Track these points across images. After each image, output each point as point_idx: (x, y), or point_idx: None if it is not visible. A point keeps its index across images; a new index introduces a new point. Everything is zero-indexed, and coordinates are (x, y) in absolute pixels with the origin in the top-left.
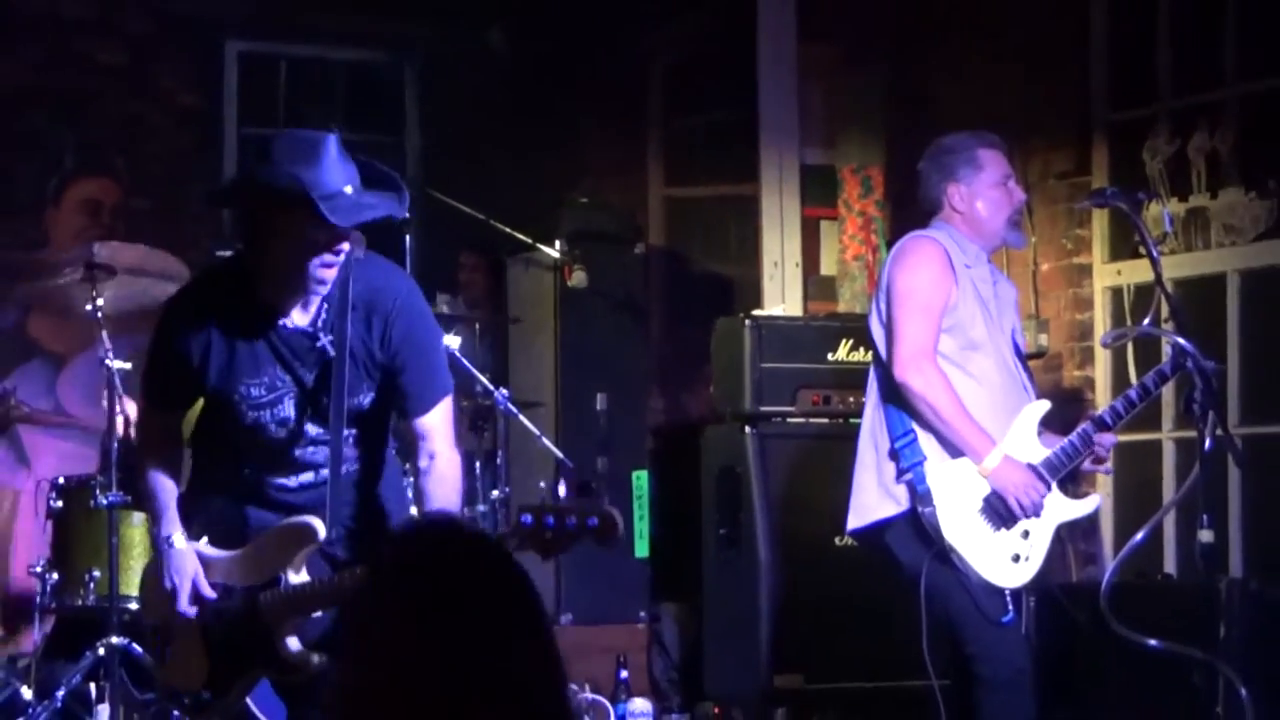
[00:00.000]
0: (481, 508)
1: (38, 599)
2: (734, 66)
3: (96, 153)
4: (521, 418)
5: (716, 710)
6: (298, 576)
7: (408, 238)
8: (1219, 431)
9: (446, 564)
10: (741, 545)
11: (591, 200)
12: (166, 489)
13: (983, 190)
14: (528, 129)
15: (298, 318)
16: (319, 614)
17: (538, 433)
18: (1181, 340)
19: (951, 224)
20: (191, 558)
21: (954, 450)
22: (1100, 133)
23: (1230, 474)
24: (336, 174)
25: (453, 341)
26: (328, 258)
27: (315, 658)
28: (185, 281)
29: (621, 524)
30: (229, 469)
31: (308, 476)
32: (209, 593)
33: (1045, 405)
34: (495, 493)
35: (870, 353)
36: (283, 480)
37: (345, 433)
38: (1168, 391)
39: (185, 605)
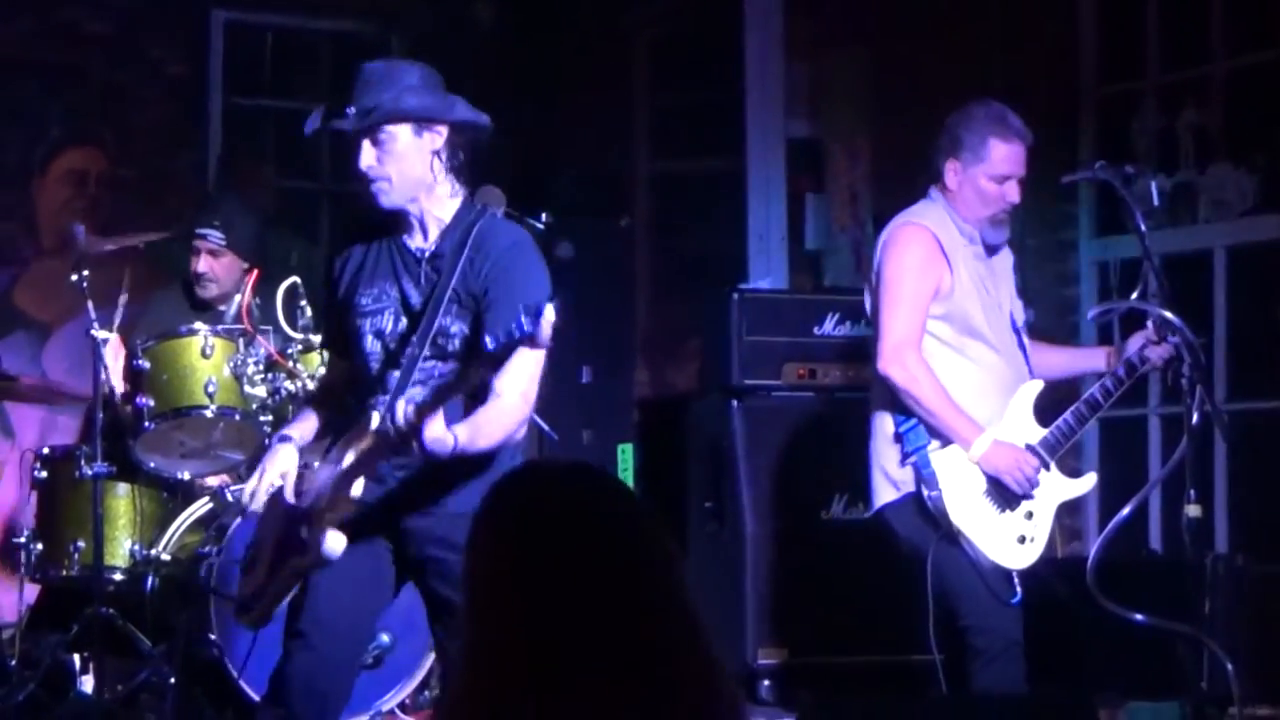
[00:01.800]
0: None
1: (22, 569)
2: (720, 40)
3: (83, 123)
4: None
5: None
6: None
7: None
8: (1206, 407)
9: (572, 500)
10: (727, 519)
11: (577, 173)
12: (306, 415)
13: (977, 180)
14: (513, 102)
15: (418, 240)
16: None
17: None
18: (1169, 315)
19: (945, 198)
20: (288, 456)
21: None
22: (1088, 107)
23: (1217, 449)
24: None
25: None
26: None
27: (326, 532)
28: None
29: None
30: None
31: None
32: (290, 498)
33: (1039, 385)
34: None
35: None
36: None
37: (432, 365)
38: None
39: (249, 493)
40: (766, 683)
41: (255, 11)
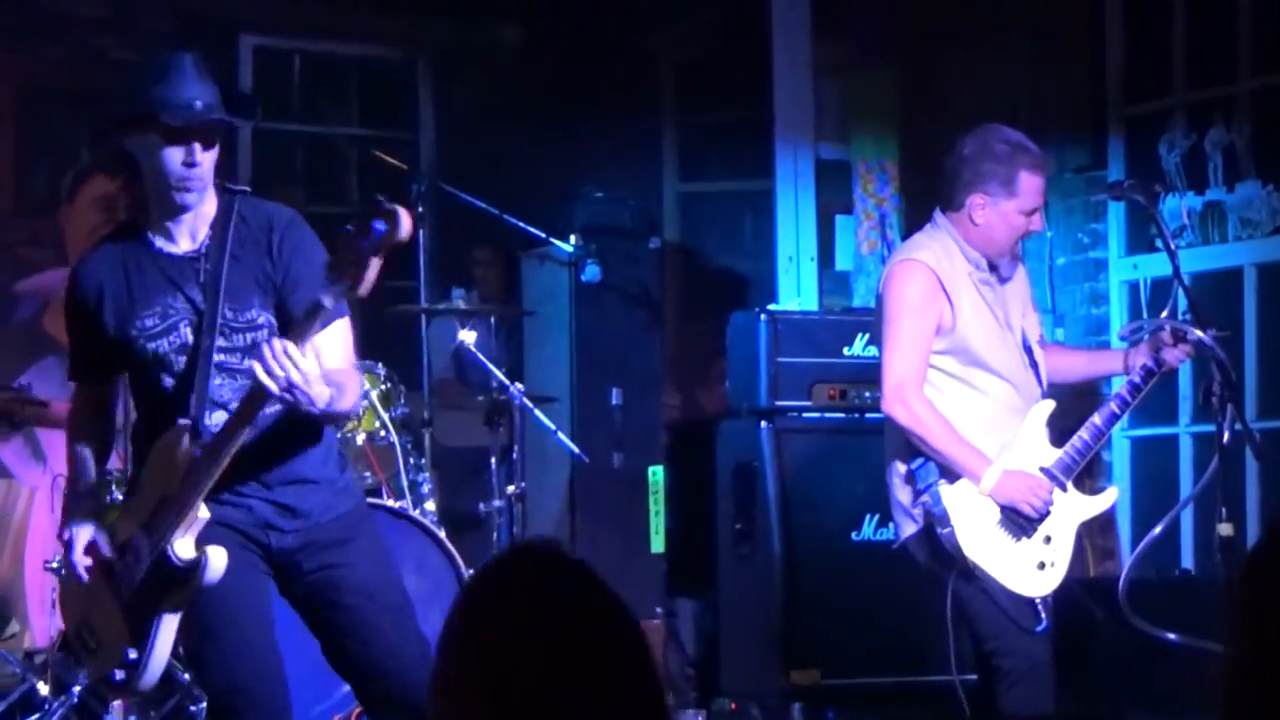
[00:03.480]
0: (497, 503)
1: (53, 594)
2: (748, 61)
3: (111, 149)
4: (537, 413)
5: (733, 706)
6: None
7: (422, 233)
8: (1237, 425)
9: (544, 589)
10: (757, 540)
11: (606, 195)
12: (85, 469)
13: (1007, 215)
14: (542, 124)
15: (183, 244)
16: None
17: (553, 428)
18: (1199, 333)
19: (958, 228)
20: (83, 531)
21: None
22: (1116, 126)
23: (1249, 468)
24: (190, 89)
25: (468, 336)
26: (183, 170)
27: (206, 550)
28: None
29: (406, 218)
30: (153, 432)
31: (220, 417)
32: (106, 550)
33: (1050, 406)
34: (511, 488)
35: None
36: (211, 428)
37: (239, 359)
38: (1185, 385)
39: (77, 557)
40: (798, 704)
41: (283, 37)
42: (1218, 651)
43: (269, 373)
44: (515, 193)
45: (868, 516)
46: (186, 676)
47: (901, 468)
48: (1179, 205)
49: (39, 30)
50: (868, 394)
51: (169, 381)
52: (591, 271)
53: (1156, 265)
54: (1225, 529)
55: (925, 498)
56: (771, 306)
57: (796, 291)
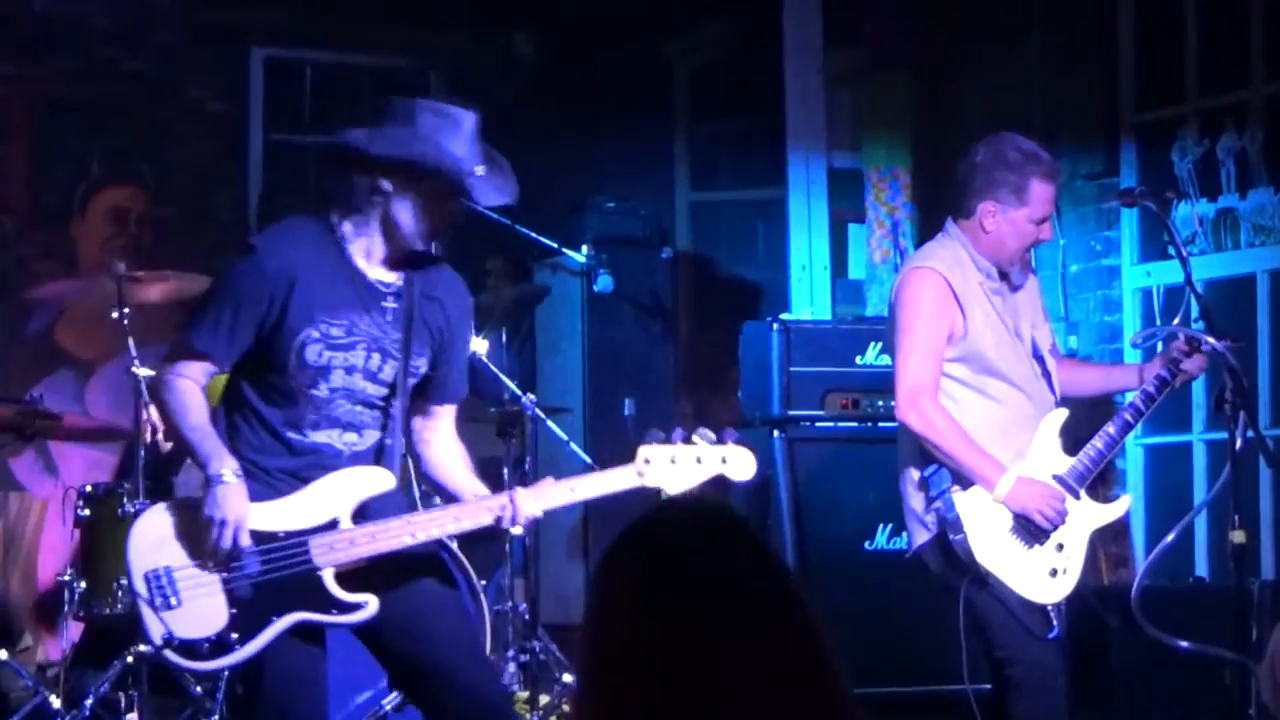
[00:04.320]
0: None
1: (65, 607)
2: (760, 71)
3: (123, 161)
4: (549, 423)
5: None
6: (351, 523)
7: (434, 243)
8: (1250, 432)
9: (704, 542)
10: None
11: (618, 205)
12: (210, 429)
13: (1017, 223)
14: (553, 134)
15: (382, 274)
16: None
17: (566, 438)
18: (1212, 340)
19: (969, 235)
20: (245, 496)
21: None
22: (1128, 133)
23: (1262, 475)
24: (476, 153)
25: (480, 347)
26: (440, 228)
27: (373, 600)
28: (251, 237)
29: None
30: (274, 437)
31: (351, 438)
32: (246, 540)
33: (1063, 414)
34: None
35: None
36: (330, 444)
37: (395, 404)
38: (1198, 392)
39: (242, 540)
40: None
41: (294, 48)
42: (1232, 659)
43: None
44: (527, 203)
45: (881, 525)
46: (200, 690)
47: (915, 474)
48: (1191, 212)
49: (51, 42)
50: (880, 403)
51: (318, 392)
52: (604, 282)
53: (1169, 272)
54: (1238, 536)
55: (938, 504)
56: (784, 316)
57: (809, 300)
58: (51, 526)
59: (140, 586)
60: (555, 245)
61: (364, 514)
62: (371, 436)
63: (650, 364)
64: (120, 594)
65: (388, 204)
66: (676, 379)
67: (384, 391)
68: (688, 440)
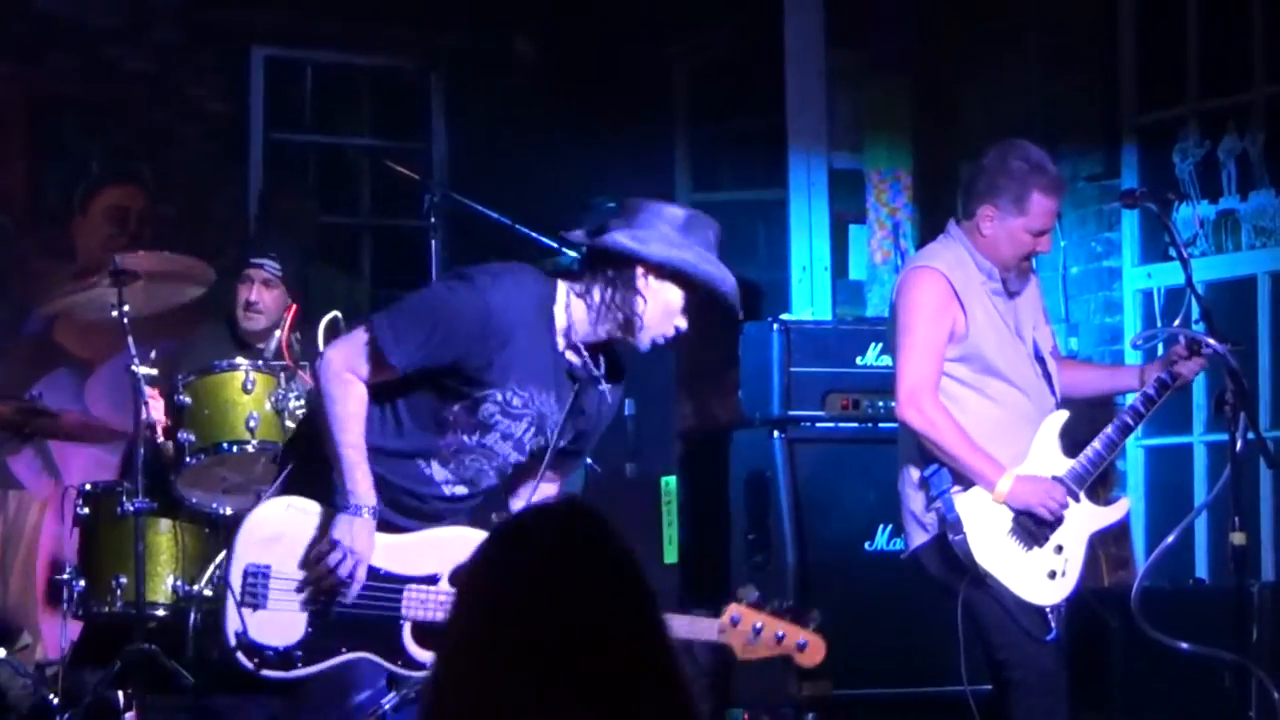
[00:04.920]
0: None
1: (65, 606)
2: (761, 71)
3: (123, 161)
4: None
5: (746, 717)
6: (449, 583)
7: (434, 243)
8: (1250, 434)
9: (558, 545)
10: (770, 550)
11: (618, 205)
12: (365, 456)
13: (1014, 232)
14: (554, 135)
15: (574, 357)
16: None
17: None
18: (1212, 341)
19: (970, 237)
20: (373, 536)
21: None
22: (1129, 135)
23: (1262, 477)
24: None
25: None
26: (674, 334)
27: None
28: (478, 270)
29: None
30: (403, 454)
31: (461, 490)
32: (362, 577)
33: (1063, 416)
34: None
35: None
36: (443, 485)
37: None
38: (1199, 394)
39: (359, 575)
40: (811, 715)
41: (295, 48)
42: (1232, 661)
43: None
44: (528, 203)
45: (881, 526)
46: (199, 687)
47: (915, 474)
48: (1192, 214)
49: (51, 41)
50: (881, 404)
51: (468, 439)
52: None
53: (1170, 274)
54: (1238, 538)
55: (938, 504)
56: (784, 316)
57: (810, 301)
58: (51, 525)
59: (236, 578)
60: (555, 245)
61: None
62: (479, 496)
63: (650, 364)
64: (120, 593)
65: (638, 306)
66: (677, 379)
67: (521, 460)
68: (777, 613)
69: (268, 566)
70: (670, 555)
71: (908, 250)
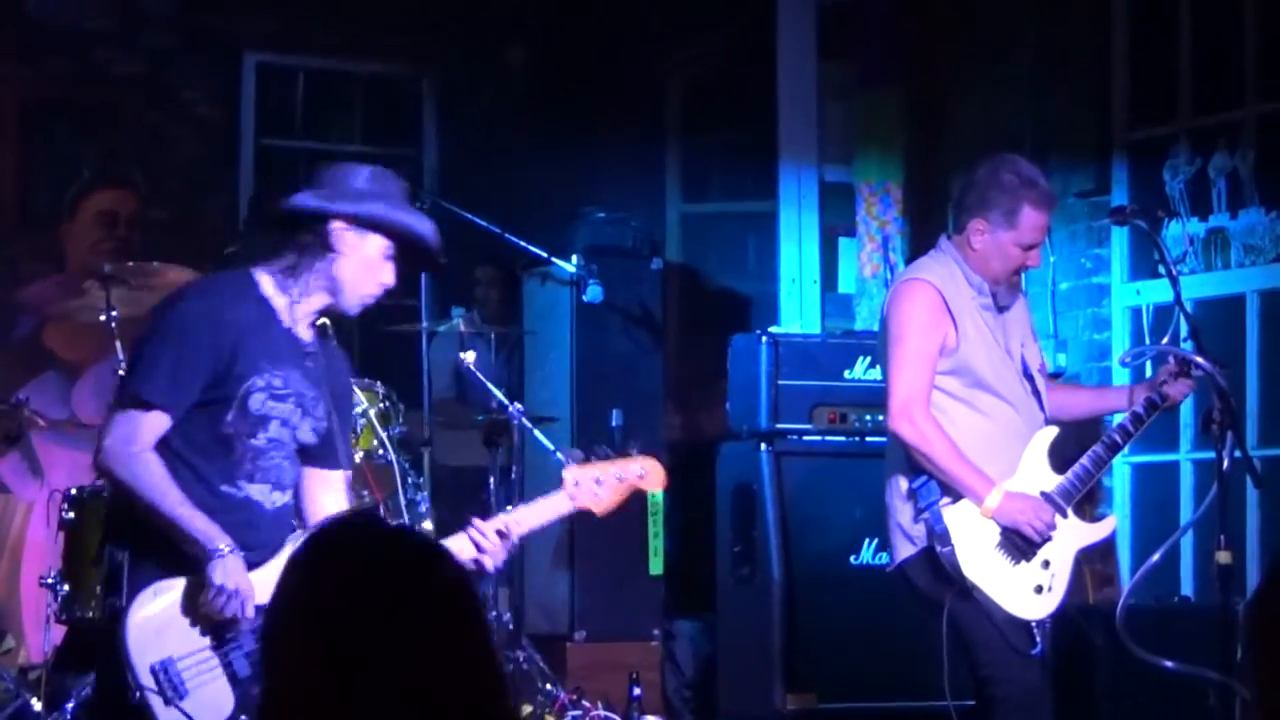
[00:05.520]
0: None
1: (49, 610)
2: (752, 83)
3: (114, 164)
4: (536, 432)
5: None
6: None
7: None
8: (1237, 452)
9: (360, 564)
10: (756, 563)
11: (609, 215)
12: (193, 505)
13: (1004, 246)
14: (545, 144)
15: (302, 331)
16: None
17: (553, 448)
18: (1201, 360)
19: (961, 251)
20: (245, 567)
21: None
22: (1120, 151)
23: (1248, 495)
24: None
25: (468, 356)
26: (381, 290)
27: None
28: (186, 285)
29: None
30: (207, 490)
31: (278, 497)
32: (251, 611)
33: (1053, 432)
34: (510, 508)
35: None
36: (262, 502)
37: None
38: (1186, 412)
39: (248, 611)
40: None
41: (287, 54)
42: (1216, 680)
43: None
44: (518, 211)
45: (867, 540)
46: None
47: (903, 485)
48: (1182, 231)
49: (42, 44)
50: (869, 418)
51: (255, 441)
52: (594, 292)
53: (1159, 291)
54: (1224, 557)
55: (926, 515)
56: (773, 329)
57: (799, 314)
58: (36, 529)
59: (148, 681)
60: (545, 255)
61: None
62: (289, 495)
63: (638, 375)
64: (103, 604)
65: (338, 264)
66: (665, 390)
67: (295, 448)
68: (604, 458)
69: (169, 658)
70: (656, 567)
71: (897, 264)
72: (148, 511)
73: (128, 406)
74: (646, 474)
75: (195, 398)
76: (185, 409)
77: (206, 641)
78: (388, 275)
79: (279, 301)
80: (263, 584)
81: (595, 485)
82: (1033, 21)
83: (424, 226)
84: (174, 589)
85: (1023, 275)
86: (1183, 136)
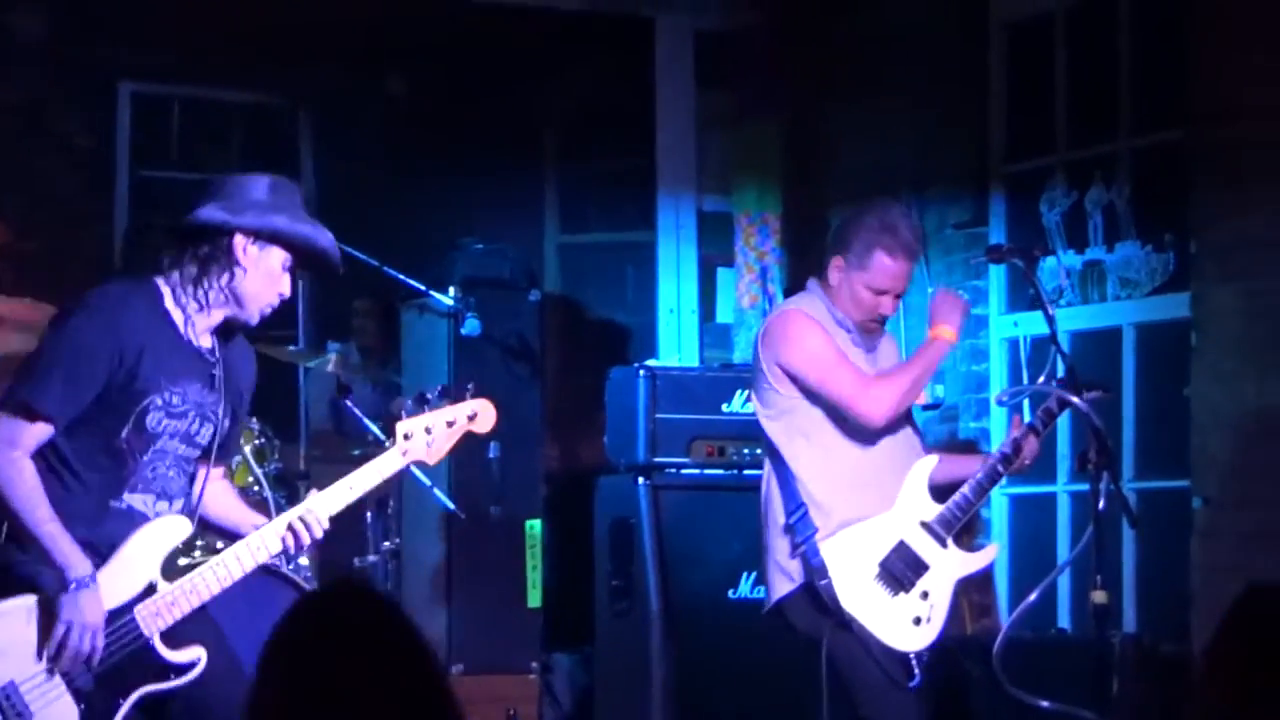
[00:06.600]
0: (372, 558)
1: None
2: (631, 113)
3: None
4: (412, 468)
5: None
6: (167, 578)
7: (301, 283)
8: (1112, 490)
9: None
10: (634, 596)
11: (486, 246)
12: (62, 526)
13: (855, 285)
14: (422, 175)
15: (203, 341)
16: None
17: (429, 483)
18: (1076, 399)
19: (824, 291)
20: (102, 599)
21: (844, 521)
22: (998, 183)
23: (1124, 532)
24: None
25: (343, 389)
26: (281, 297)
27: (201, 651)
28: (89, 294)
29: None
30: (93, 502)
31: (163, 506)
32: (101, 643)
33: (933, 461)
34: (387, 543)
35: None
36: (146, 515)
37: (200, 467)
38: (1063, 444)
39: (98, 643)
40: None
41: (163, 83)
42: (1091, 719)
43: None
44: (396, 243)
45: (745, 574)
46: None
47: (780, 519)
48: (1058, 264)
49: None
50: (746, 451)
51: (145, 456)
52: (472, 325)
53: (1037, 323)
54: (1099, 596)
55: (803, 549)
56: (651, 362)
57: (677, 344)
58: None
59: None
60: (423, 287)
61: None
62: (179, 504)
63: (517, 406)
64: None
65: (240, 277)
66: (543, 422)
67: (196, 454)
68: (434, 406)
69: (10, 682)
70: (534, 599)
71: (775, 294)
72: (14, 519)
73: (14, 412)
74: (477, 414)
75: (85, 409)
76: (72, 419)
77: (53, 663)
78: (286, 286)
79: (179, 316)
80: (106, 582)
81: (426, 435)
82: (912, 54)
83: (324, 238)
84: (16, 611)
85: (884, 323)
86: (1059, 169)
